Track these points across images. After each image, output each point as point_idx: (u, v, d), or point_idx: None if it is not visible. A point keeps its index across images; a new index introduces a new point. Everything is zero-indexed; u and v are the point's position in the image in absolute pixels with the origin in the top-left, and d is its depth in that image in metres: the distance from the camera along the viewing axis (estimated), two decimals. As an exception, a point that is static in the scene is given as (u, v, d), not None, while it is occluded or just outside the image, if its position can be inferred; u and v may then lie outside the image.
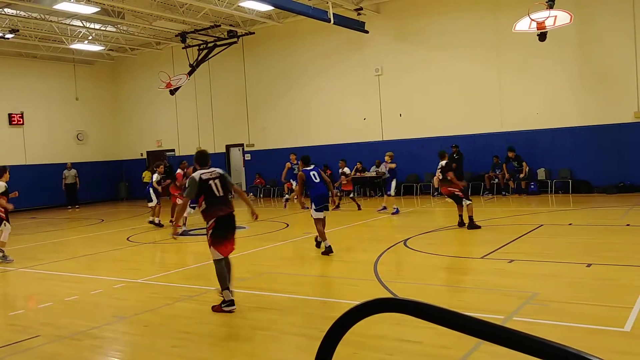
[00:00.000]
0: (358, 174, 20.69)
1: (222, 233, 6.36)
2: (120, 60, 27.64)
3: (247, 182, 24.64)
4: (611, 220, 11.92)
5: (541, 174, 18.09)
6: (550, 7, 15.16)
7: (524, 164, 17.81)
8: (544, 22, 14.99)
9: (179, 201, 14.59)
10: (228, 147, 25.14)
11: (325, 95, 22.22)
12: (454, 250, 9.82)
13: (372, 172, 19.47)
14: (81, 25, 21.38)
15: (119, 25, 21.94)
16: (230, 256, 6.61)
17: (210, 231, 6.36)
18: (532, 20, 15.02)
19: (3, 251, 10.68)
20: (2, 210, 10.50)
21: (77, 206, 23.87)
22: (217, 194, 6.42)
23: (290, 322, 5.89)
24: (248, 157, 24.62)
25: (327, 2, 18.44)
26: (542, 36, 15.34)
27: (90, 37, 23.01)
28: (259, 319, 6.09)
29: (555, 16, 15.04)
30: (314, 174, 9.46)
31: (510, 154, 18.00)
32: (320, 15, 18.52)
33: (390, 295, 6.51)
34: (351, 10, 19.96)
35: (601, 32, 17.03)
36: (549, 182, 17.87)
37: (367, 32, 20.62)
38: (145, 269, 9.36)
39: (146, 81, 26.45)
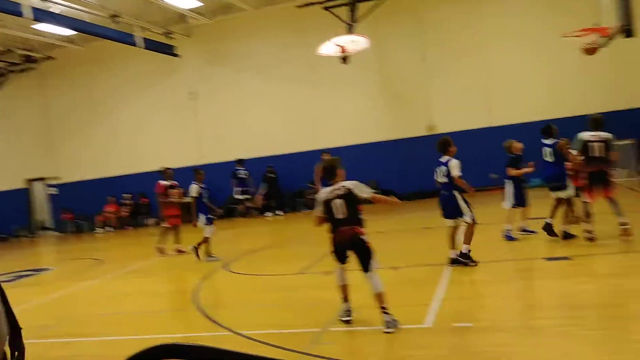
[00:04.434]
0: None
1: None
2: None
3: (54, 218, 22.66)
4: (413, 225, 13.12)
5: (351, 186, 19.33)
6: (350, 32, 16.38)
7: None
8: (345, 46, 16.12)
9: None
10: (30, 181, 22.89)
11: (140, 120, 21.39)
12: (273, 268, 9.96)
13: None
14: None
15: None
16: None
17: None
18: (335, 44, 16.06)
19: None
20: None
21: None
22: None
23: (102, 367, 5.49)
24: (54, 190, 22.65)
25: (133, 26, 17.82)
26: (345, 59, 16.48)
27: None
28: (67, 370, 5.59)
29: (355, 41, 16.27)
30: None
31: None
32: (126, 39, 17.82)
33: (211, 324, 6.42)
34: (160, 34, 19.52)
35: (396, 56, 18.83)
36: (360, 194, 19.19)
37: (178, 55, 20.31)
38: None
39: None
